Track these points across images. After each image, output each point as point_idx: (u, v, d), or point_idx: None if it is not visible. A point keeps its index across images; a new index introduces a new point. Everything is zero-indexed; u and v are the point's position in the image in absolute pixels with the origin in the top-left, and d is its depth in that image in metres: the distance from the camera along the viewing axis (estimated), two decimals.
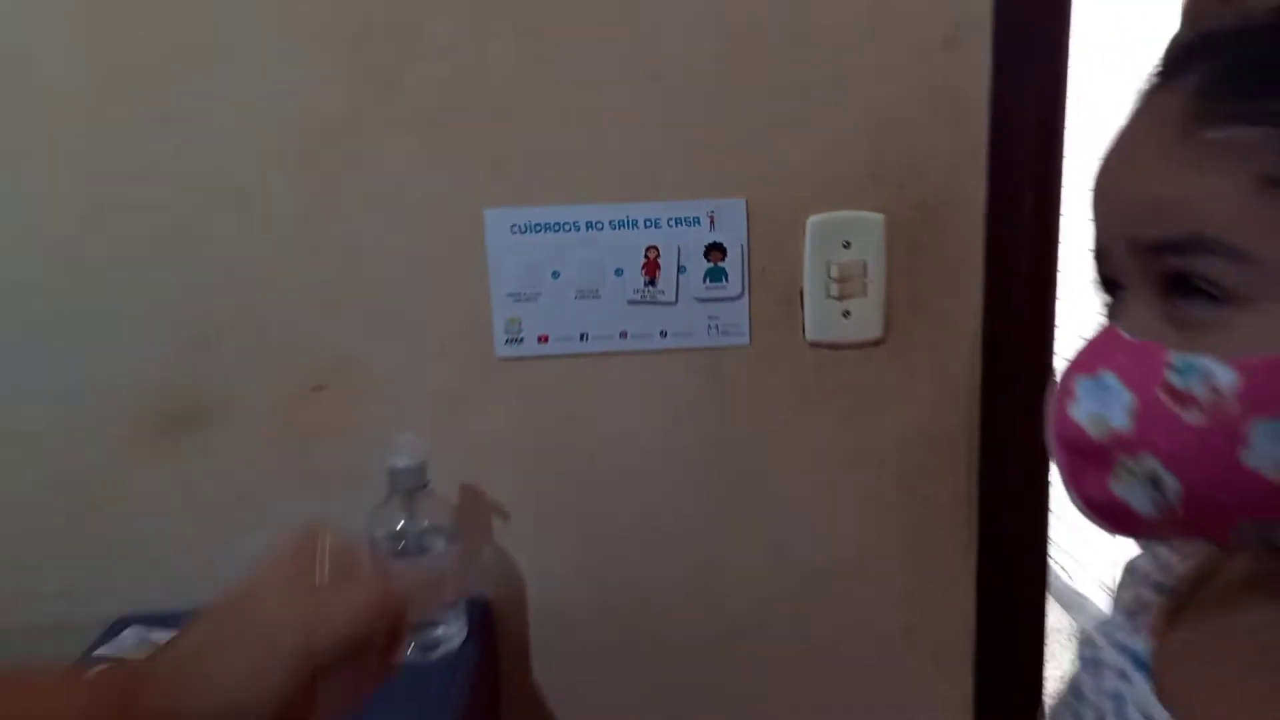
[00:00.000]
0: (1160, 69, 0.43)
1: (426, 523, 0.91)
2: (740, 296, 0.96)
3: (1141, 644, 0.49)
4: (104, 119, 0.91)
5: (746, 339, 0.97)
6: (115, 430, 0.97)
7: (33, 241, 0.94)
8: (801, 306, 0.97)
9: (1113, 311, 0.45)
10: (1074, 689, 0.53)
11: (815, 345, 0.98)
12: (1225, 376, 0.39)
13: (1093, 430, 0.43)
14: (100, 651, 0.92)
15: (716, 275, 0.95)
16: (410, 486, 0.90)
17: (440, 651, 0.91)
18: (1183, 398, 0.40)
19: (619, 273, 0.95)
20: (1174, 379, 0.40)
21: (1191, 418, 0.40)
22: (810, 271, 0.95)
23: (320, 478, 0.98)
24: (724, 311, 0.96)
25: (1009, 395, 0.98)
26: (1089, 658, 0.52)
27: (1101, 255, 0.45)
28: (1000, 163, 0.92)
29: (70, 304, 0.95)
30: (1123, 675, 0.48)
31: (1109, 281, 0.45)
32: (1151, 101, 0.43)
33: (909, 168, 0.94)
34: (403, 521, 0.90)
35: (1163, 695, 0.46)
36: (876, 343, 0.98)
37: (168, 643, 0.53)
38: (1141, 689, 0.47)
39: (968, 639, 1.04)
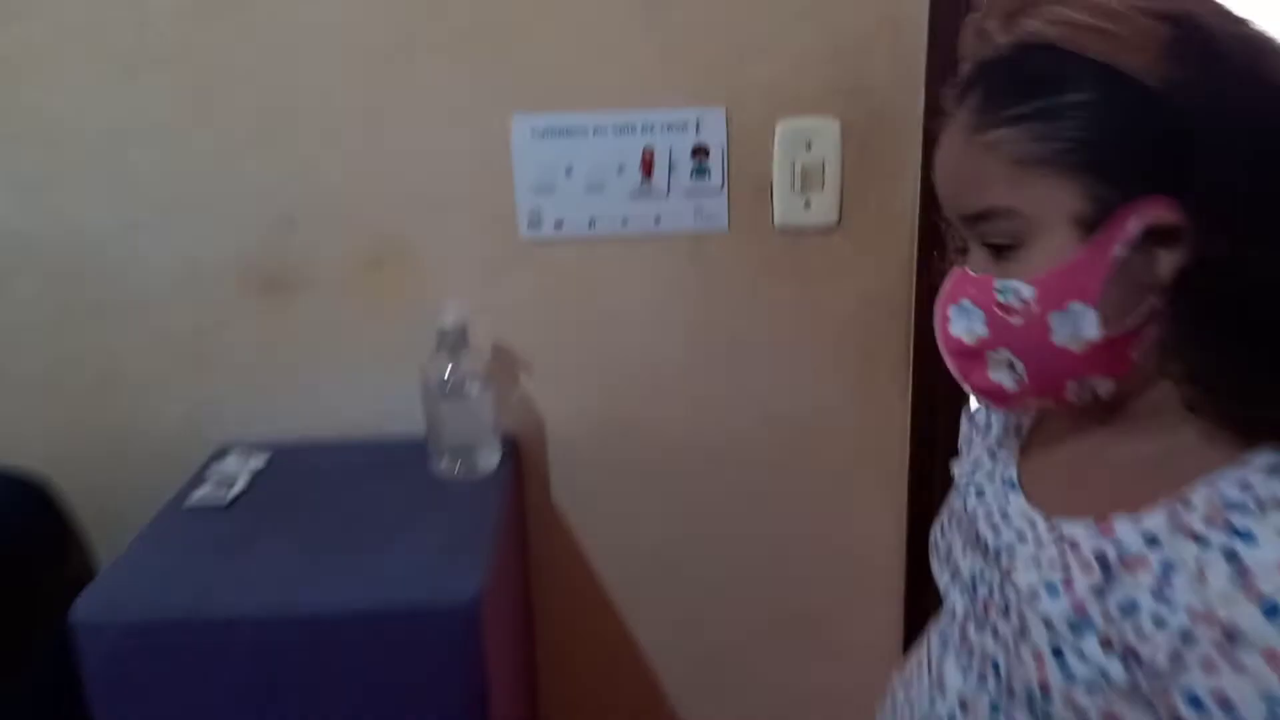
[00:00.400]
0: (957, 92, 0.61)
1: (467, 371, 1.13)
2: (721, 190, 1.16)
3: (1012, 472, 0.69)
4: (204, 37, 1.10)
5: (725, 225, 1.17)
6: (217, 293, 1.17)
7: (152, 136, 1.12)
8: (771, 198, 1.16)
9: (963, 259, 0.64)
10: (957, 512, 0.73)
11: (782, 230, 1.18)
12: (1026, 290, 0.58)
13: (967, 339, 0.62)
14: (209, 470, 1.16)
15: (701, 172, 1.15)
16: (454, 342, 1.12)
17: (480, 472, 1.15)
18: (1008, 309, 0.59)
19: (621, 170, 1.15)
20: (1000, 297, 0.59)
21: (1016, 320, 0.59)
22: (778, 168, 1.15)
23: (381, 334, 1.19)
24: (707, 202, 1.16)
25: (939, 272, 1.18)
26: (970, 487, 0.73)
27: (948, 224, 0.64)
28: (935, 79, 1.10)
29: (182, 189, 1.14)
30: (1007, 495, 0.68)
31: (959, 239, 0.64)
32: (954, 115, 0.61)
33: (861, 83, 1.13)
34: (449, 370, 1.13)
35: (1030, 501, 0.66)
36: (832, 228, 1.18)
37: None
38: (1017, 502, 0.67)
39: (903, 460, 1.27)
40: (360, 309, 1.19)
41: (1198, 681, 0.50)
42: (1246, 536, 0.51)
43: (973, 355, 0.62)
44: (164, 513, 1.07)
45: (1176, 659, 0.51)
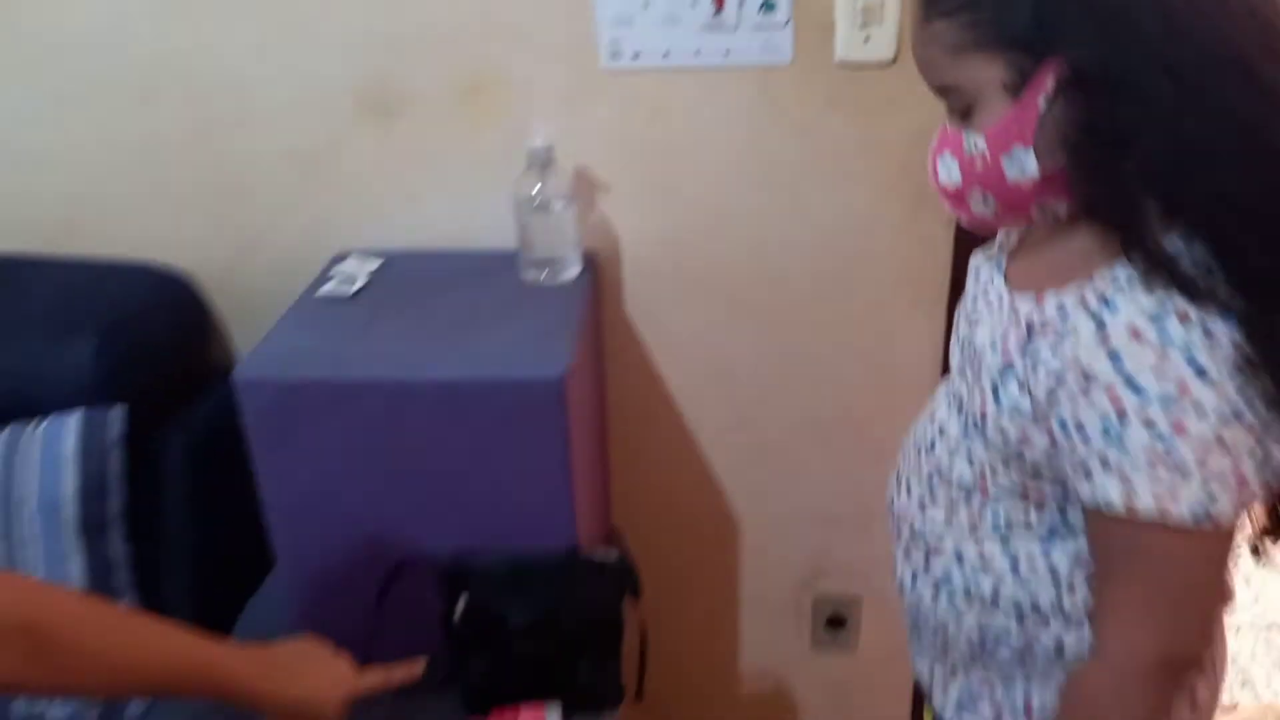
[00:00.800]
0: None
1: (553, 190, 1.27)
2: (785, 24, 1.26)
3: (1000, 263, 0.87)
4: None
5: (789, 59, 1.28)
6: (336, 113, 1.32)
7: None
8: (833, 33, 1.26)
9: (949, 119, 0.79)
10: (969, 291, 0.91)
11: (842, 65, 1.27)
12: (980, 142, 0.75)
13: (949, 184, 0.79)
14: (332, 270, 1.34)
15: (768, 7, 1.24)
16: (541, 163, 1.26)
17: (564, 279, 1.31)
18: (973, 157, 0.76)
19: (694, 3, 1.25)
20: (966, 149, 0.76)
21: (979, 165, 0.75)
22: (840, 3, 1.24)
23: (478, 154, 1.34)
24: (773, 37, 1.26)
25: None
26: (976, 269, 0.91)
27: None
28: None
29: (304, 15, 1.28)
30: (991, 279, 0.86)
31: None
32: (914, 8, 0.77)
33: None
34: (537, 187, 1.27)
35: (1006, 283, 0.83)
36: (889, 63, 1.27)
37: (253, 649, 0.92)
38: (997, 281, 0.85)
39: (942, 287, 1.40)
40: (460, 131, 1.33)
41: (1065, 411, 0.71)
42: (1111, 306, 0.69)
43: (957, 195, 0.79)
44: (299, 302, 1.26)
45: (1053, 395, 0.72)
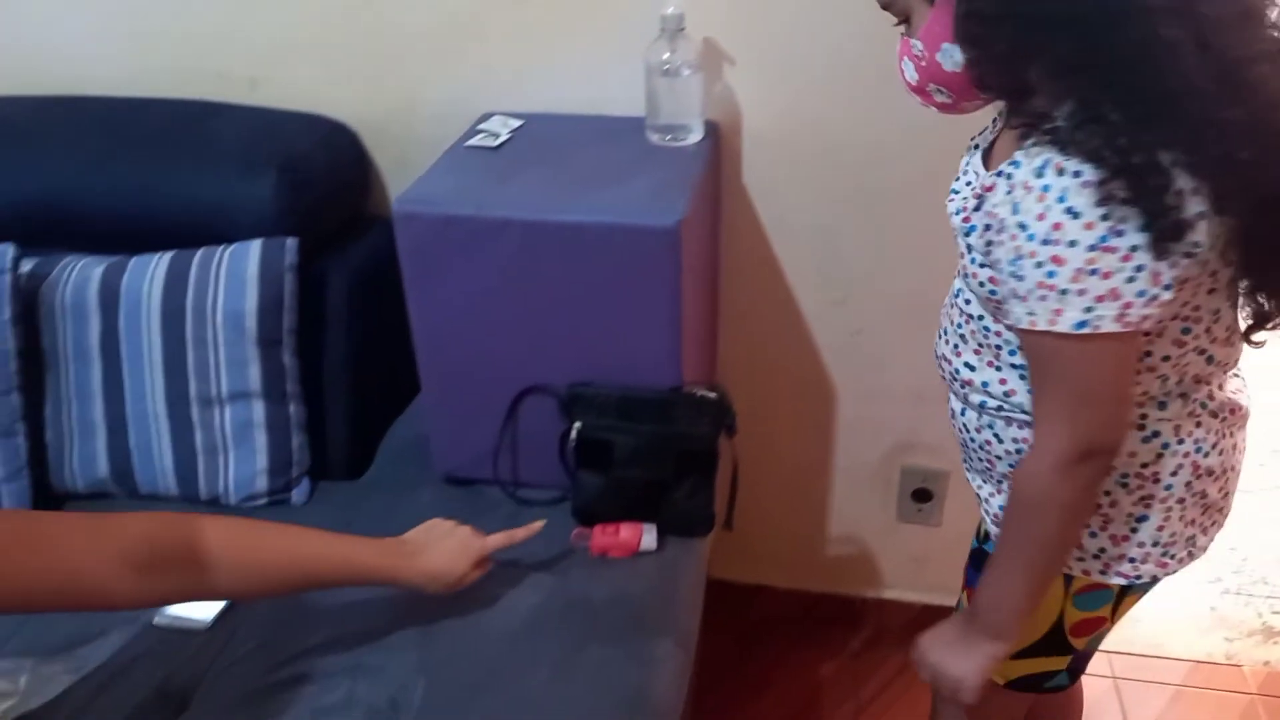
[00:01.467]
0: None
1: (682, 58, 1.37)
2: None
3: (982, 145, 0.99)
4: None
5: None
6: None
7: None
8: None
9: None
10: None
11: None
12: (919, 44, 0.90)
13: (912, 81, 0.94)
14: (478, 127, 1.48)
15: None
16: (672, 30, 1.35)
17: (688, 143, 1.42)
18: (919, 57, 0.91)
19: None
20: (914, 51, 0.91)
21: (925, 62, 0.90)
22: None
23: (615, 20, 1.44)
24: None
25: None
26: (964, 158, 1.03)
27: None
28: None
29: None
30: (969, 160, 0.99)
31: None
32: None
33: None
34: (666, 54, 1.37)
35: (983, 161, 0.97)
36: None
37: (383, 539, 1.14)
38: (976, 158, 0.98)
39: None
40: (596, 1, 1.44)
41: (995, 255, 0.87)
42: (1016, 165, 0.84)
43: (920, 90, 0.95)
44: (450, 151, 1.41)
45: (989, 245, 0.88)
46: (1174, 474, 0.98)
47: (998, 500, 1.07)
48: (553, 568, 1.28)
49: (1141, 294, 0.80)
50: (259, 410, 1.43)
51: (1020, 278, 0.83)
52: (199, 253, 1.44)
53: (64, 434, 1.45)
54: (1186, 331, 0.92)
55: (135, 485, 1.45)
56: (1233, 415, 1.01)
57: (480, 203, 1.26)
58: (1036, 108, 0.84)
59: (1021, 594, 0.97)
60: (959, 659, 1.02)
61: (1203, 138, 0.78)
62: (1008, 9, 0.80)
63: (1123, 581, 1.03)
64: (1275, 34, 0.81)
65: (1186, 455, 0.98)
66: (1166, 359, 0.92)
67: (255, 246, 1.43)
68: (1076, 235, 0.79)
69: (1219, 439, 0.99)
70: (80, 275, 1.44)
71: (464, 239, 1.25)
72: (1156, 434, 0.97)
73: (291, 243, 1.44)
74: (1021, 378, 0.97)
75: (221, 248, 1.44)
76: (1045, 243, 0.81)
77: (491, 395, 1.37)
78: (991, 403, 1.01)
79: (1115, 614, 1.09)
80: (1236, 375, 1.03)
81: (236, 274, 1.42)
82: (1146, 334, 0.88)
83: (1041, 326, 0.84)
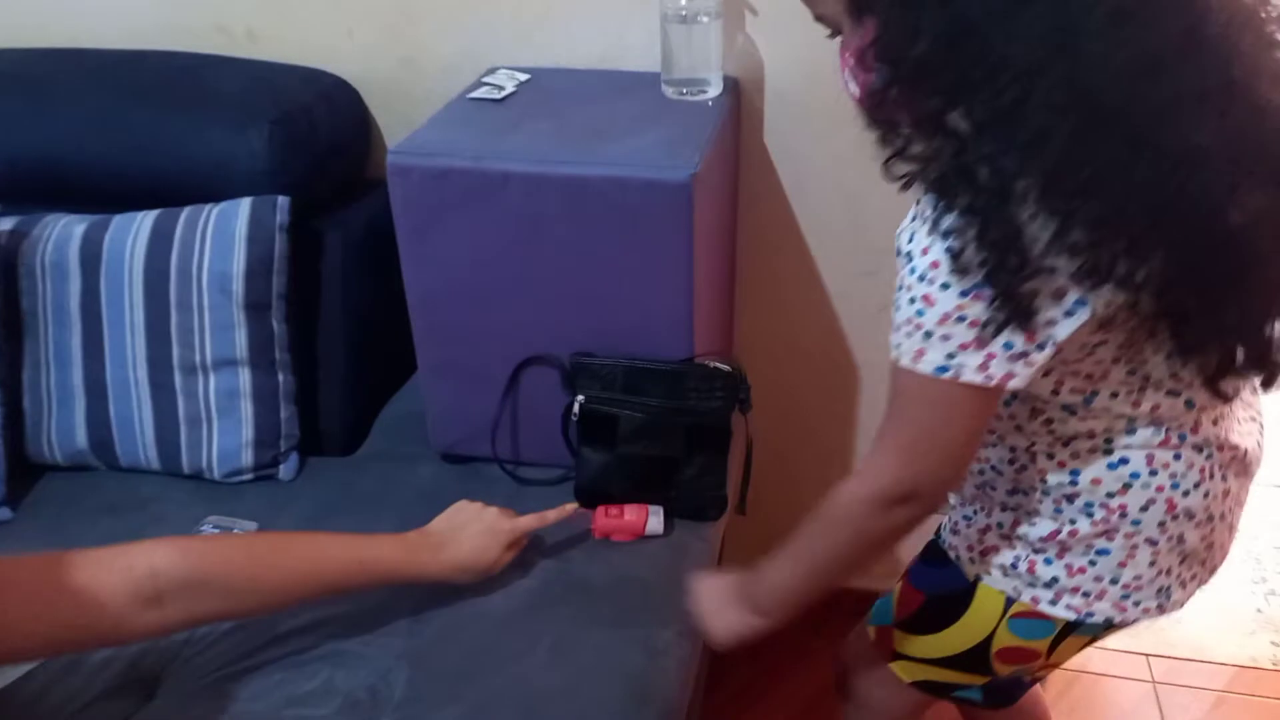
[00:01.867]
0: None
1: (700, 3, 1.27)
2: None
3: None
4: None
5: None
6: None
7: None
8: None
9: None
10: None
11: None
12: (851, 57, 0.83)
13: (854, 94, 0.86)
14: (482, 80, 1.39)
15: None
16: None
17: (706, 97, 1.32)
18: (854, 70, 0.84)
19: None
20: (847, 63, 0.85)
21: (850, 73, 0.85)
22: None
23: None
24: None
25: None
26: None
27: None
28: None
29: None
30: None
31: None
32: None
33: None
34: (684, 0, 1.29)
35: None
36: None
37: (404, 534, 1.07)
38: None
39: None
40: None
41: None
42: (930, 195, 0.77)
43: (860, 102, 0.87)
44: (452, 104, 1.32)
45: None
46: (1144, 509, 0.89)
47: (958, 511, 1.04)
48: (552, 550, 1.20)
49: (1009, 347, 0.77)
50: (245, 378, 1.35)
51: (896, 307, 0.81)
52: (185, 211, 1.36)
53: (42, 401, 1.37)
54: (1133, 374, 0.85)
55: (115, 457, 1.38)
56: (1223, 453, 0.90)
57: (480, 154, 1.17)
58: (898, 143, 0.79)
59: (798, 591, 0.99)
60: (720, 617, 1.05)
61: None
62: (904, 51, 0.74)
63: (1070, 616, 0.94)
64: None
65: (1160, 490, 0.89)
66: (1115, 396, 0.86)
67: (244, 205, 1.35)
68: (949, 279, 0.76)
69: (1203, 478, 0.90)
70: (62, 233, 1.36)
71: (462, 193, 1.16)
72: (1124, 461, 0.88)
73: (283, 201, 1.36)
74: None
75: (210, 206, 1.36)
76: (921, 279, 0.78)
77: (491, 365, 1.28)
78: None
79: (1052, 652, 0.99)
80: (1253, 420, 0.94)
81: (224, 233, 1.33)
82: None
83: (904, 363, 0.81)
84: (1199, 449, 0.89)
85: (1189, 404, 0.87)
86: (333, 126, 1.46)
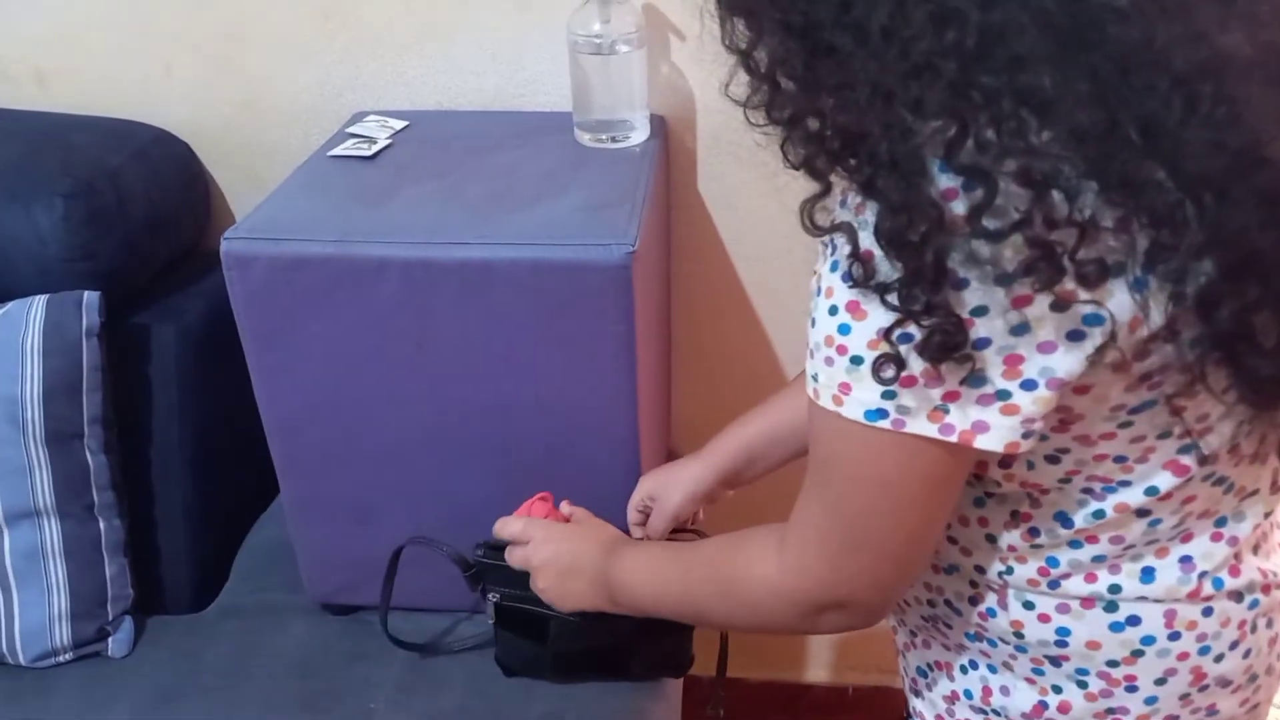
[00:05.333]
0: None
1: (618, 30, 1.03)
2: None
3: None
4: None
5: None
6: None
7: None
8: None
9: None
10: None
11: None
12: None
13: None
14: (346, 131, 1.11)
15: None
16: None
17: (630, 143, 1.07)
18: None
19: None
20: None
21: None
22: None
23: None
24: None
25: None
26: None
27: None
28: None
29: None
30: None
31: None
32: None
33: None
34: (597, 25, 1.03)
35: None
36: None
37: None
38: None
39: None
40: None
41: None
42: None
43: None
44: (308, 163, 1.03)
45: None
46: (1161, 682, 0.66)
47: (914, 657, 0.78)
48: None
49: (977, 384, 0.53)
50: (51, 532, 1.04)
51: (812, 322, 0.58)
52: None
53: None
54: (1189, 450, 0.60)
55: None
56: (1271, 595, 0.67)
57: (346, 234, 0.89)
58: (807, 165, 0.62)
59: (665, 615, 0.81)
60: (570, 584, 0.86)
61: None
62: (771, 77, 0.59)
63: None
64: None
65: (1183, 658, 0.66)
66: (1154, 493, 0.61)
67: (36, 306, 1.04)
68: (869, 307, 0.55)
69: (1243, 636, 0.66)
70: None
71: (324, 287, 0.88)
72: (1133, 621, 0.65)
73: (91, 297, 1.05)
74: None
75: None
76: (832, 312, 0.56)
77: (373, 496, 1.00)
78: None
79: None
80: None
81: (8, 346, 1.02)
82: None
83: (824, 401, 0.58)
84: (1238, 597, 0.65)
85: (1227, 486, 0.63)
86: (152, 193, 1.14)
